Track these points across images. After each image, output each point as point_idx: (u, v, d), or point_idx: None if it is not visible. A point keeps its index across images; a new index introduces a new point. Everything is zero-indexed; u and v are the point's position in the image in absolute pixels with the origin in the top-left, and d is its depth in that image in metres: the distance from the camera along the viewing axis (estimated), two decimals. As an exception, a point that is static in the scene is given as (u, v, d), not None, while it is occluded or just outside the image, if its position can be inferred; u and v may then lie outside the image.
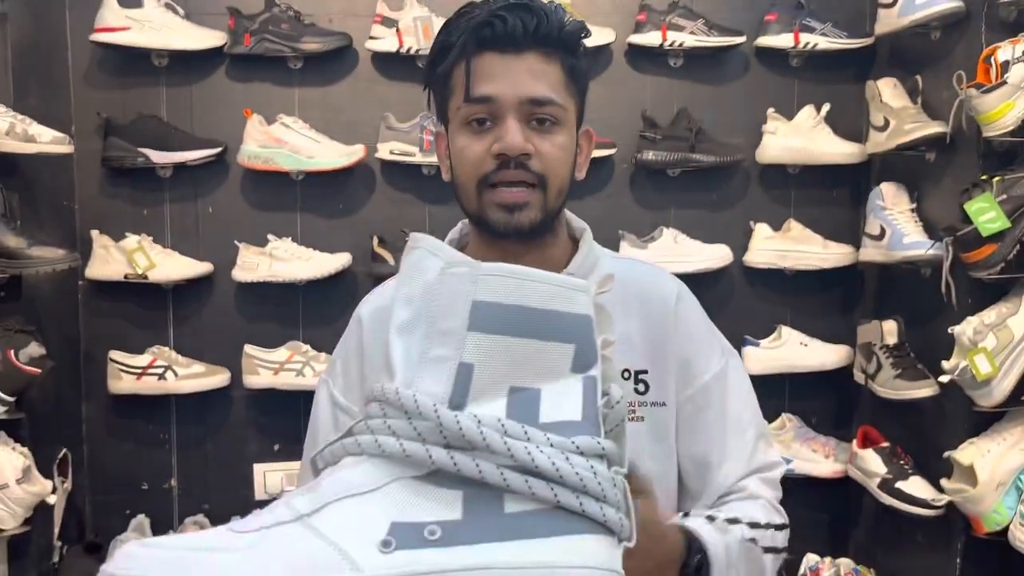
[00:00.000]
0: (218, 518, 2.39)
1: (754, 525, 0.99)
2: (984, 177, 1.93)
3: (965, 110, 1.95)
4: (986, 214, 1.88)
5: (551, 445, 0.58)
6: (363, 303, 1.16)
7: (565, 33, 0.98)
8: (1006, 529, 1.89)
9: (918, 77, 2.20)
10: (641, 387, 1.06)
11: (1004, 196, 1.89)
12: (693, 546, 0.91)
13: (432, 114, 1.06)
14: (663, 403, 1.06)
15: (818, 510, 2.52)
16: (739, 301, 2.47)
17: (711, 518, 0.96)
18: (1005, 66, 1.86)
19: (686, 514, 0.98)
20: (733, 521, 0.97)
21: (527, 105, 0.97)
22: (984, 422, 1.99)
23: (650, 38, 2.33)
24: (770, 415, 2.43)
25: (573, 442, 0.58)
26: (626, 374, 1.05)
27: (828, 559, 2.38)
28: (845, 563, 2.37)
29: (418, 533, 0.54)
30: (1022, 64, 1.85)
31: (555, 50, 0.98)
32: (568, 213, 1.10)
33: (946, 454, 1.98)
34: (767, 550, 0.99)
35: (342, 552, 0.53)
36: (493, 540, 0.54)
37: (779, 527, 1.04)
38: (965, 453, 1.95)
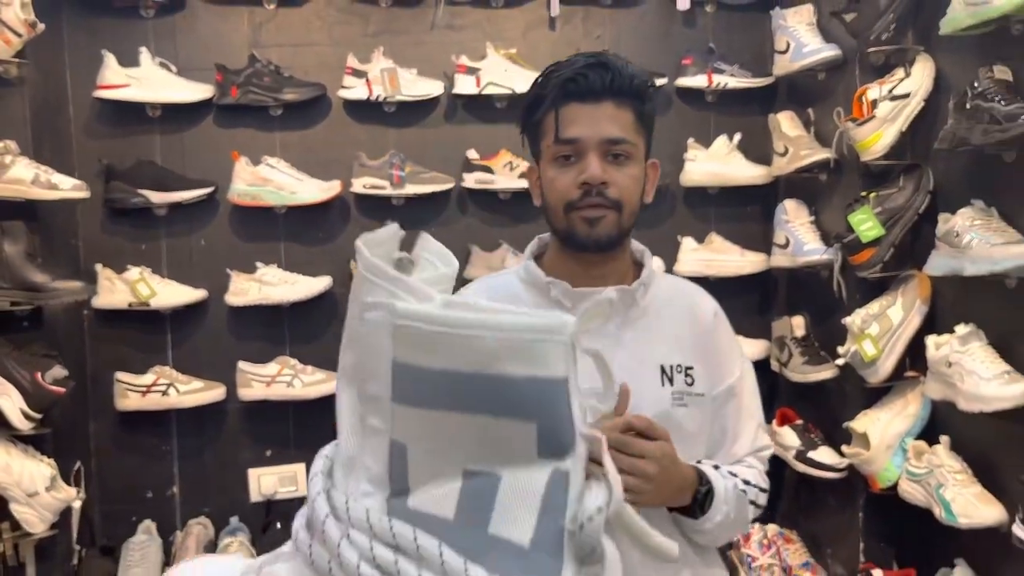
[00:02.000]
0: (218, 519, 2.66)
1: (746, 483, 1.29)
2: (863, 193, 2.33)
3: (845, 140, 2.36)
4: (865, 224, 2.29)
5: None
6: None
7: (635, 85, 1.22)
8: (896, 485, 2.27)
9: (810, 111, 2.62)
10: (689, 380, 1.28)
11: (880, 209, 2.29)
12: (703, 478, 1.21)
13: (525, 150, 1.31)
14: (702, 394, 1.29)
15: (748, 484, 2.89)
16: (672, 305, 2.84)
17: (716, 467, 1.26)
18: (874, 103, 2.27)
19: (699, 461, 1.27)
20: (732, 475, 1.27)
21: (605, 144, 1.20)
22: (875, 396, 2.38)
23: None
24: (703, 403, 2.79)
25: None
26: (679, 368, 1.28)
27: (757, 525, 2.74)
28: (772, 528, 2.74)
29: None
30: (887, 101, 2.26)
31: (627, 99, 1.21)
32: (630, 238, 1.33)
33: (844, 424, 2.37)
34: (750, 503, 1.30)
35: None
36: None
37: (763, 490, 1.34)
38: (860, 423, 2.34)
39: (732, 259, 2.78)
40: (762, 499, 1.33)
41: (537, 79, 1.26)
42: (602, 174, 1.19)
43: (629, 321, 1.28)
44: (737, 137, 2.76)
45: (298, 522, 0.57)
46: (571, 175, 1.21)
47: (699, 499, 1.21)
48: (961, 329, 2.04)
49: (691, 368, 1.29)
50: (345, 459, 0.50)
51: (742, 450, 1.34)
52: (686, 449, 1.23)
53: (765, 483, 1.35)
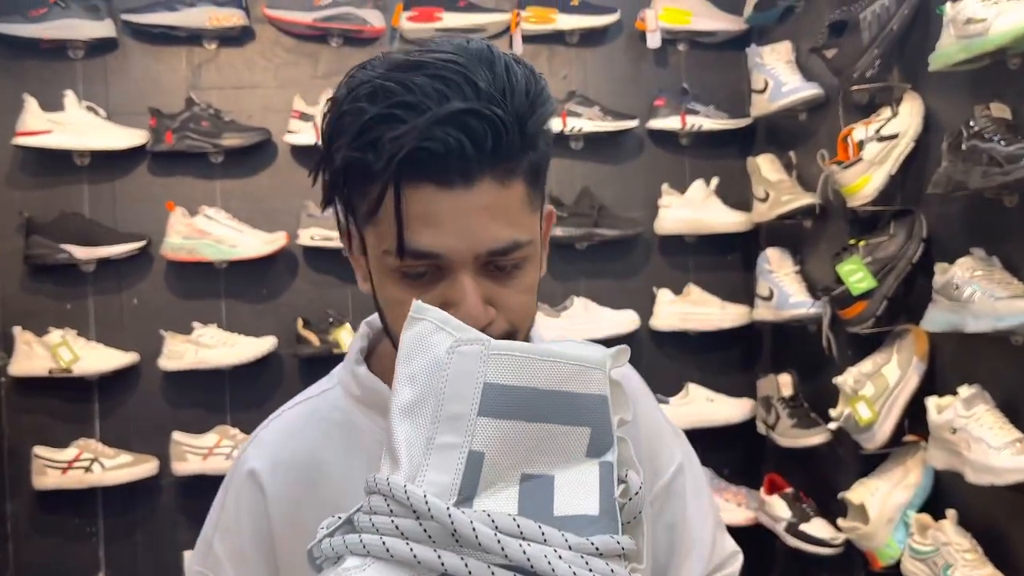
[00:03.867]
0: (148, 609, 2.39)
1: None
2: (852, 242, 2.15)
3: (830, 184, 2.18)
4: (855, 275, 2.10)
5: (570, 547, 0.54)
6: (250, 456, 0.86)
7: (529, 133, 0.73)
8: (899, 563, 2.06)
9: (791, 153, 2.45)
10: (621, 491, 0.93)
11: (870, 258, 2.11)
12: None
13: (328, 210, 0.80)
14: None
15: (735, 557, 2.66)
16: (648, 362, 2.64)
17: None
18: (861, 144, 2.10)
19: None
20: None
21: (485, 256, 0.73)
22: (871, 462, 2.17)
23: (551, 124, 2.53)
24: (684, 469, 2.57)
25: (592, 542, 0.55)
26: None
27: (747, 604, 2.51)
28: (762, 607, 2.50)
29: None
30: (875, 142, 2.09)
31: (517, 162, 0.73)
32: None
33: (840, 495, 2.15)
34: None
35: None
36: None
37: None
38: (856, 493, 2.12)
39: (712, 312, 2.59)
40: None
41: (344, 107, 0.71)
42: (484, 312, 0.73)
43: None
44: (714, 182, 2.59)
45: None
46: (428, 299, 0.66)
47: None
48: (965, 391, 1.84)
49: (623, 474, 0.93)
50: (407, 476, 0.57)
51: (696, 572, 0.95)
52: None
53: None
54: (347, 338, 2.38)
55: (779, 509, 2.35)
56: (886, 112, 2.11)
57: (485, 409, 0.55)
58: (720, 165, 2.64)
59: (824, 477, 2.34)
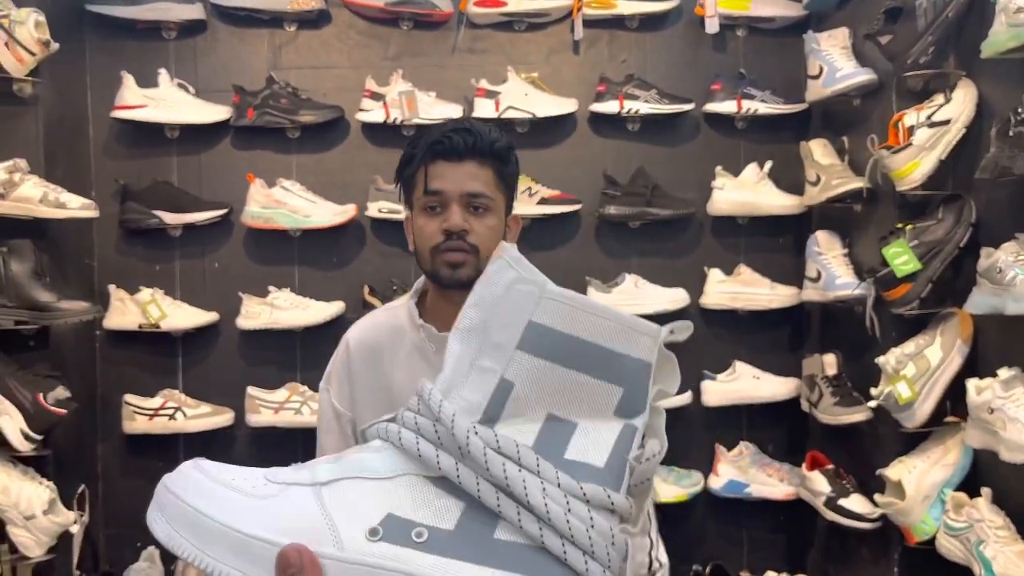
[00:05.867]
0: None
1: None
2: (899, 225, 2.19)
3: (879, 168, 2.23)
4: (901, 257, 2.15)
5: (559, 486, 0.57)
6: (352, 328, 1.51)
7: (495, 149, 1.36)
8: (934, 538, 2.11)
9: (844, 138, 2.49)
10: None
11: (916, 242, 2.15)
12: None
13: (401, 202, 1.46)
14: None
15: (776, 530, 2.74)
16: (696, 339, 2.67)
17: None
18: (911, 130, 2.14)
19: None
20: None
21: (466, 197, 1.34)
22: (913, 441, 2.22)
23: (609, 106, 2.62)
24: (729, 443, 2.66)
25: (582, 488, 0.57)
26: None
27: (786, 575, 2.59)
28: (801, 579, 2.58)
29: (406, 531, 0.56)
30: (925, 128, 2.13)
31: (488, 159, 1.36)
32: None
33: (878, 471, 2.21)
34: None
35: (334, 529, 0.56)
36: (471, 560, 0.55)
37: None
38: (894, 470, 2.18)
39: (762, 292, 2.65)
40: None
41: (412, 138, 1.42)
42: (462, 223, 1.33)
43: None
44: (768, 165, 2.64)
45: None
46: (436, 223, 1.35)
47: None
48: (1004, 373, 1.89)
49: None
50: (444, 388, 0.62)
51: None
52: None
53: None
54: (409, 305, 2.53)
55: (819, 484, 2.42)
56: (939, 98, 2.14)
57: (524, 344, 0.60)
58: (775, 149, 2.69)
59: (864, 454, 2.39)
